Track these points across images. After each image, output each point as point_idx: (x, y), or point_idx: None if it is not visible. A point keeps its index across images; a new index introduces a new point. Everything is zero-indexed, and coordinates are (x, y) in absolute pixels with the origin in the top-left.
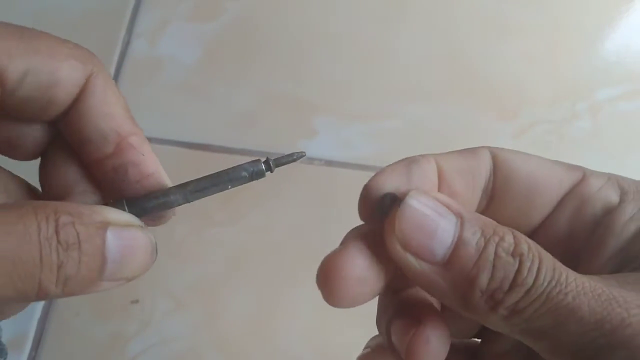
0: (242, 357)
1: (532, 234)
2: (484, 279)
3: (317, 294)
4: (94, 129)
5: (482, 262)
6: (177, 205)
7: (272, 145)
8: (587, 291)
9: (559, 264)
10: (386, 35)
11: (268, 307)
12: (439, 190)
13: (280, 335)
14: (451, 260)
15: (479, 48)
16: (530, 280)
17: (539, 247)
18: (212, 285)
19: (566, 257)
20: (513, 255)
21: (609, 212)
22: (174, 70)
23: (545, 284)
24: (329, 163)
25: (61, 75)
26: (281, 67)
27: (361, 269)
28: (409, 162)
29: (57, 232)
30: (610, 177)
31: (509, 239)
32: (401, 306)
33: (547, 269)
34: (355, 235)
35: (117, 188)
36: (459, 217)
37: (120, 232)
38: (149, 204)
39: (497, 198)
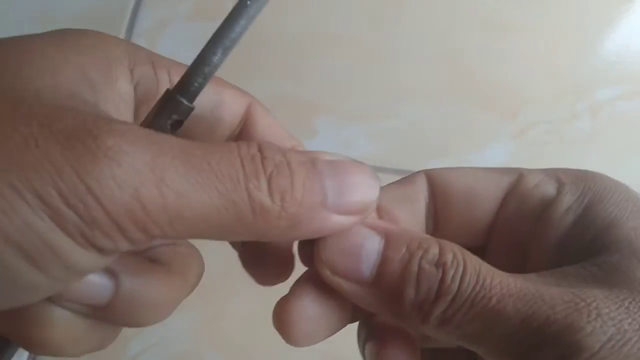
0: (242, 357)
1: (484, 242)
2: (410, 292)
3: None
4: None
5: (407, 276)
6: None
7: None
8: (512, 292)
9: (485, 267)
10: (386, 35)
11: (268, 307)
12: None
13: (279, 336)
14: (378, 278)
15: (479, 48)
16: (454, 288)
17: (466, 253)
18: (212, 285)
19: (516, 257)
20: (437, 265)
21: (547, 206)
22: None
23: (470, 289)
24: None
25: (225, 98)
26: (281, 67)
27: (310, 309)
28: None
29: (260, 150)
30: (548, 172)
31: (433, 250)
32: (372, 328)
33: (470, 275)
34: (302, 278)
35: None
36: (384, 235)
37: (332, 160)
38: (196, 80)
39: (441, 217)
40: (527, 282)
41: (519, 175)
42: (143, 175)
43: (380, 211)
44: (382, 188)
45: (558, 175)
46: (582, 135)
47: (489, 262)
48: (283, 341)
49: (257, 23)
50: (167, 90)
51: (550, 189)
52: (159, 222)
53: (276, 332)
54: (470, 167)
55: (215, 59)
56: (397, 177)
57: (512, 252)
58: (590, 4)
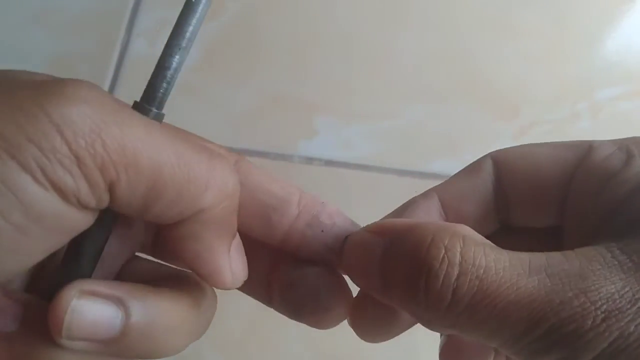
0: (242, 357)
1: (559, 222)
2: (408, 302)
3: None
4: (273, 198)
5: (403, 285)
6: (181, 65)
7: (273, 145)
8: (519, 298)
9: (493, 268)
10: (386, 35)
11: (269, 308)
12: (448, 220)
13: (280, 337)
14: (387, 288)
15: (479, 48)
16: (446, 295)
17: (470, 250)
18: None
19: (587, 233)
20: (427, 271)
21: (610, 180)
22: None
23: (468, 297)
24: (329, 163)
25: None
26: (281, 67)
27: (372, 312)
28: (402, 209)
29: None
30: (620, 143)
31: (431, 252)
32: None
33: (470, 280)
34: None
35: (314, 241)
36: (389, 240)
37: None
38: (160, 87)
39: (511, 201)
40: (541, 276)
41: (588, 148)
42: (108, 115)
43: (446, 209)
44: (446, 184)
45: (629, 147)
46: (583, 135)
47: (566, 242)
48: (283, 341)
49: (258, 23)
50: (135, 102)
51: (617, 162)
52: (117, 163)
53: (276, 331)
54: (536, 144)
55: (175, 61)
56: (397, 177)
57: (582, 229)
58: (591, 4)
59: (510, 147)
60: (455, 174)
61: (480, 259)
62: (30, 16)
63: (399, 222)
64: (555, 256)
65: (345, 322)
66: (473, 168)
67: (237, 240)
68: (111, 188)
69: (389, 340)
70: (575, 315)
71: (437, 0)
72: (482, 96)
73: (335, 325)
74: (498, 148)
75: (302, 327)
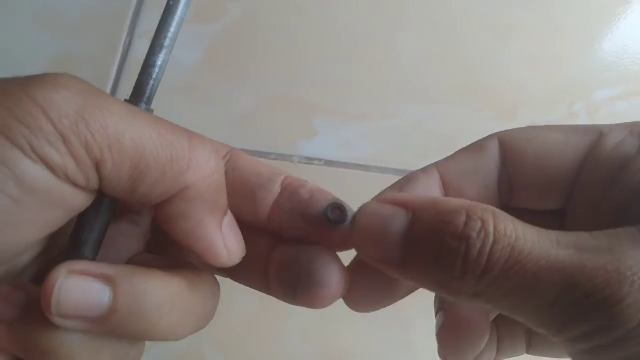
0: (243, 357)
1: (564, 206)
2: (436, 272)
3: None
4: (259, 178)
5: (430, 255)
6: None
7: (273, 145)
8: (551, 264)
9: (523, 235)
10: (386, 35)
11: (268, 306)
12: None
13: (280, 335)
14: (406, 260)
15: (477, 49)
16: (481, 262)
17: (501, 220)
18: None
19: (596, 220)
20: (460, 238)
21: (625, 166)
22: (175, 71)
23: (501, 263)
24: (329, 163)
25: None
26: (282, 67)
27: (363, 283)
28: (403, 183)
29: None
30: (633, 128)
31: (457, 221)
32: (442, 300)
33: (502, 247)
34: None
35: (293, 216)
36: (412, 212)
37: None
38: (147, 84)
39: (516, 183)
40: (570, 251)
41: (599, 134)
42: (90, 100)
43: (447, 187)
44: (448, 160)
45: None
46: None
47: (569, 225)
48: (283, 340)
49: (258, 24)
50: (125, 100)
51: (630, 148)
52: (101, 143)
53: (277, 330)
54: (545, 128)
55: (159, 59)
56: (397, 178)
57: (592, 215)
58: (589, 5)
59: (518, 129)
60: (458, 152)
61: (512, 230)
62: (32, 18)
63: (419, 196)
64: (583, 235)
65: (345, 322)
66: (478, 147)
67: (230, 218)
68: (98, 168)
69: (388, 339)
70: (611, 280)
71: (436, 2)
72: (481, 97)
73: (331, 303)
74: None
75: (303, 325)
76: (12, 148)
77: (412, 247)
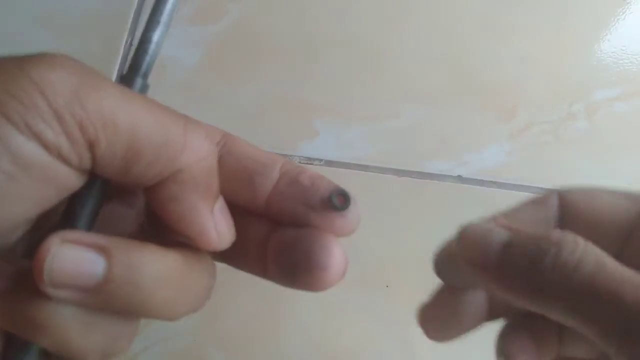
0: (243, 356)
1: None
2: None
3: (318, 293)
4: (257, 164)
5: (528, 259)
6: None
7: (273, 146)
8: (633, 281)
9: (605, 254)
10: (386, 36)
11: (269, 305)
12: None
13: (281, 334)
14: (503, 264)
15: (477, 49)
16: (570, 267)
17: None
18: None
19: None
20: (553, 246)
21: None
22: (175, 72)
23: (589, 271)
24: (330, 163)
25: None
26: (282, 68)
27: (441, 313)
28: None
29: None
30: None
31: (553, 237)
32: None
33: (590, 258)
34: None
35: (293, 202)
36: (509, 231)
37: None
38: (143, 59)
39: None
40: None
41: None
42: (85, 79)
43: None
44: (514, 210)
45: None
46: (579, 135)
47: None
48: (284, 339)
49: (259, 24)
50: (121, 75)
51: None
52: (95, 123)
53: (277, 330)
54: (600, 190)
55: (155, 35)
56: (397, 178)
57: None
58: (587, 5)
59: (576, 188)
60: (522, 203)
61: (598, 251)
62: (32, 18)
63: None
64: None
65: (347, 322)
66: (540, 200)
67: (222, 203)
68: (91, 148)
69: (388, 339)
70: None
71: (436, 3)
72: (480, 97)
73: (330, 287)
74: (495, 148)
75: (305, 324)
76: (7, 124)
77: (508, 253)
